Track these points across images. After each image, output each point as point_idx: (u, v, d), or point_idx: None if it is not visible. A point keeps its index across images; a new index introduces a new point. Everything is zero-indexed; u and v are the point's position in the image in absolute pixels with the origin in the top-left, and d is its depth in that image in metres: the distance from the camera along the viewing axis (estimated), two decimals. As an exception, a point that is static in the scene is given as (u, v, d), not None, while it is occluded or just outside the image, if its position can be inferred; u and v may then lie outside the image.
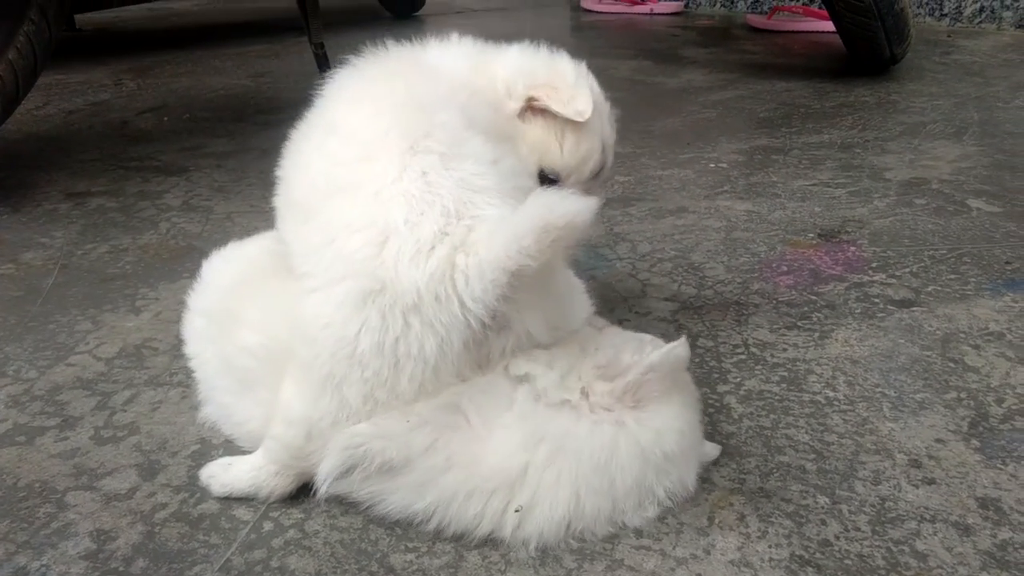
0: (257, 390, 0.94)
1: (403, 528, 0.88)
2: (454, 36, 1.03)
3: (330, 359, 0.81)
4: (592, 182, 1.05)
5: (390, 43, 0.99)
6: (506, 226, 0.77)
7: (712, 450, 0.98)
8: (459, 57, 1.00)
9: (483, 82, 0.98)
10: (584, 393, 0.85)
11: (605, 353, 0.87)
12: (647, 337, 0.94)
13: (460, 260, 0.78)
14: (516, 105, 0.99)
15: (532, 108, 0.99)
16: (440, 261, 0.78)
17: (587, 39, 4.41)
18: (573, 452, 0.83)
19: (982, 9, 3.92)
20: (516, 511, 0.84)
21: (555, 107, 0.97)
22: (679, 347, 0.85)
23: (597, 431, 0.84)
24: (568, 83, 1.00)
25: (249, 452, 0.96)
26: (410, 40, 1.02)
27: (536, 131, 1.00)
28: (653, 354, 0.84)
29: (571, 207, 0.75)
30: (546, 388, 0.84)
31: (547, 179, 1.01)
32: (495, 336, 0.84)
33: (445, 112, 0.88)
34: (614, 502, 0.85)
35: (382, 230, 0.78)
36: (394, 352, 0.79)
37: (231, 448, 1.03)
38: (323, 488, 0.87)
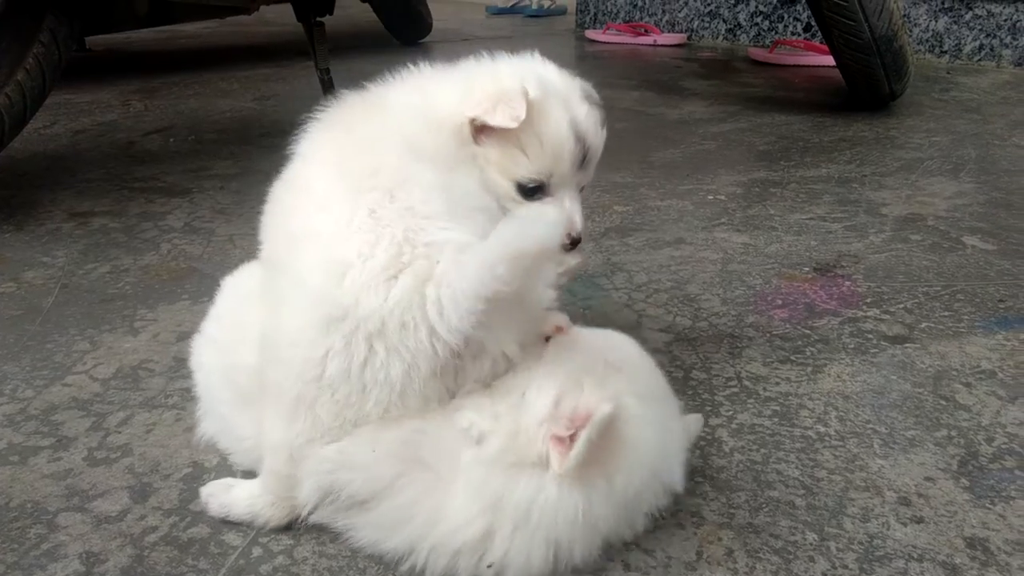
0: (253, 408, 0.95)
1: (392, 559, 0.88)
2: (411, 67, 1.01)
3: (298, 380, 0.83)
4: (583, 172, 0.99)
5: (346, 93, 1.00)
6: (477, 255, 0.77)
7: (695, 424, 0.99)
8: (411, 92, 0.99)
9: (436, 115, 0.95)
10: (542, 460, 0.80)
11: (547, 401, 0.81)
12: (593, 351, 0.90)
13: (431, 292, 0.79)
14: (466, 132, 0.94)
15: (478, 129, 0.94)
16: (406, 291, 0.79)
17: (591, 69, 4.46)
18: (541, 515, 0.80)
19: (981, 47, 3.97)
20: (488, 567, 0.82)
21: (490, 121, 0.90)
22: (603, 414, 0.78)
23: (567, 494, 0.80)
24: (493, 92, 0.92)
25: (245, 469, 0.97)
26: (394, 73, 1.03)
27: (495, 148, 0.94)
28: (584, 433, 0.77)
29: (541, 231, 0.76)
30: (492, 456, 0.81)
31: (531, 191, 0.96)
32: (471, 362, 0.84)
33: (389, 151, 0.90)
34: (602, 539, 0.84)
35: (340, 265, 0.81)
36: (361, 378, 0.81)
37: (223, 471, 1.03)
38: (306, 512, 0.88)
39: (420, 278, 0.80)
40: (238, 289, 1.07)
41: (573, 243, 0.97)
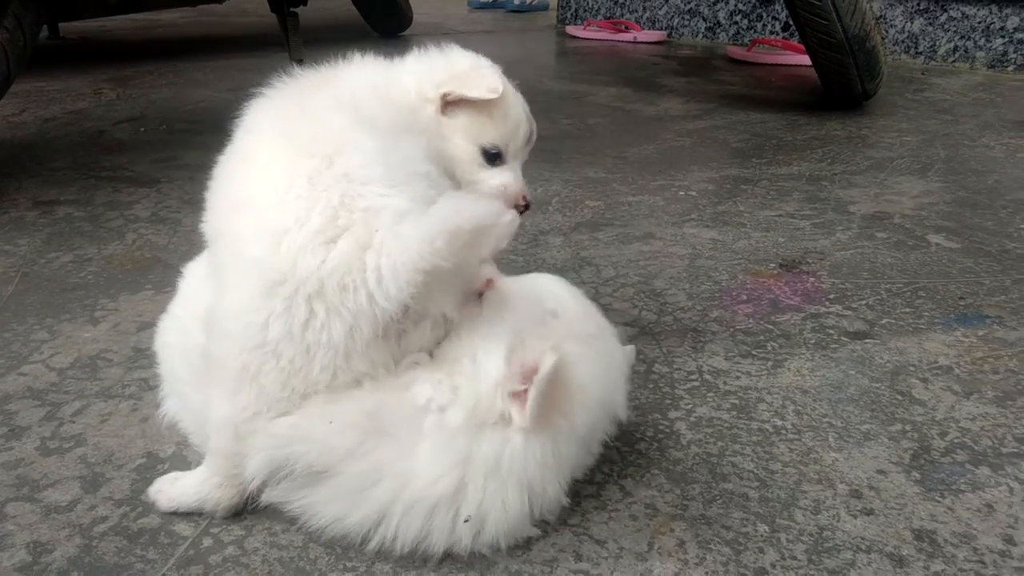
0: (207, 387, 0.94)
1: (343, 548, 0.88)
2: (357, 56, 1.06)
3: (242, 349, 0.83)
4: (527, 148, 1.10)
5: (300, 68, 1.02)
6: (417, 227, 0.78)
7: (630, 353, 1.03)
8: (366, 69, 1.04)
9: (396, 93, 1.02)
10: (503, 417, 0.84)
11: (498, 361, 0.84)
12: (533, 295, 0.95)
13: (371, 260, 0.80)
14: (433, 106, 1.03)
15: (448, 103, 1.03)
16: (344, 255, 0.80)
17: (570, 64, 4.46)
18: (511, 464, 0.83)
19: (956, 48, 4.01)
20: (466, 521, 0.83)
21: (469, 93, 1.01)
22: (548, 366, 0.81)
23: (531, 443, 0.84)
24: (468, 68, 1.05)
25: (199, 455, 0.96)
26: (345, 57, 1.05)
27: (462, 119, 1.04)
28: (533, 390, 0.81)
29: (481, 211, 0.77)
30: (458, 425, 0.83)
31: (492, 156, 1.05)
32: (413, 328, 0.86)
33: (334, 116, 0.92)
34: (569, 474, 0.89)
35: (277, 231, 0.82)
36: (303, 339, 0.82)
37: (178, 461, 1.02)
38: (253, 486, 0.88)
39: (359, 243, 0.81)
40: (198, 272, 1.07)
41: (526, 207, 1.06)
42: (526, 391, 0.82)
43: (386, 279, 0.79)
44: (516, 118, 1.06)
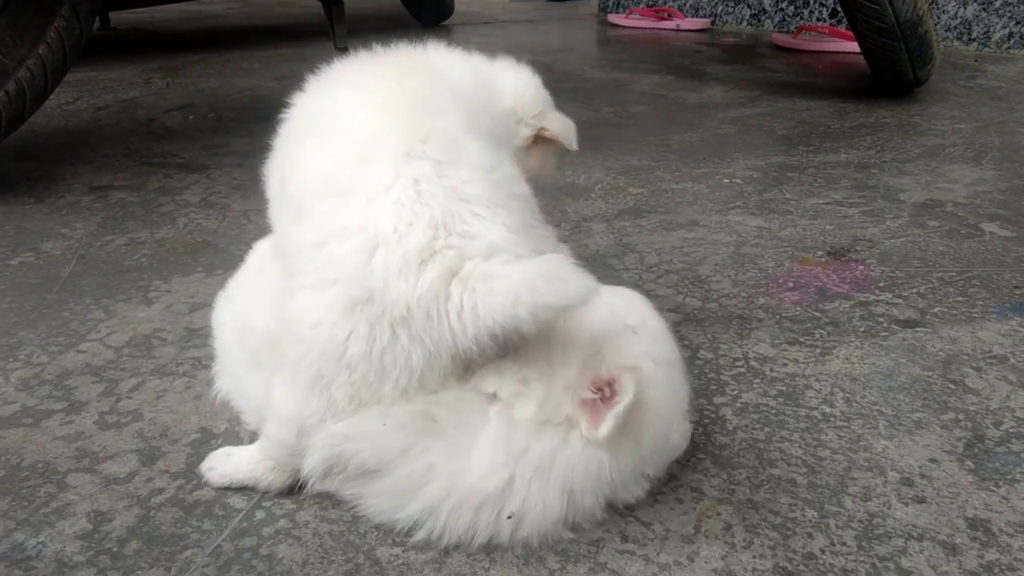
0: (262, 369, 0.96)
1: (402, 526, 0.89)
2: (443, 45, 1.06)
3: (318, 359, 0.82)
4: None
5: (394, 42, 1.01)
6: (506, 280, 0.76)
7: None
8: (460, 63, 1.02)
9: (485, 94, 1.01)
10: (569, 421, 0.83)
11: (573, 368, 0.83)
12: (613, 311, 0.92)
13: (455, 292, 0.78)
14: (528, 132, 1.07)
15: (537, 136, 1.09)
16: (433, 282, 0.78)
17: (611, 52, 4.43)
18: (564, 468, 0.83)
19: (1011, 35, 3.89)
20: (508, 518, 0.84)
21: (565, 143, 1.11)
22: (632, 388, 0.80)
23: (589, 454, 0.83)
24: (559, 116, 1.12)
25: (252, 431, 0.98)
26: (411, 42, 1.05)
27: (537, 155, 1.11)
28: (619, 405, 0.80)
29: (574, 289, 0.74)
30: (525, 418, 0.83)
31: None
32: (481, 354, 0.83)
33: (446, 116, 0.89)
34: (612, 490, 0.87)
35: (372, 237, 0.79)
36: (381, 360, 0.80)
37: (231, 437, 1.05)
38: (310, 484, 0.89)
39: (448, 270, 0.78)
40: (261, 253, 1.09)
41: None
42: (595, 401, 0.81)
43: (466, 317, 0.77)
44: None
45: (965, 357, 1.24)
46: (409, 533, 0.87)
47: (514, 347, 0.84)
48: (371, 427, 0.84)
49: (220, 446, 1.02)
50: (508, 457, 0.83)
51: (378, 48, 1.00)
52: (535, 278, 0.75)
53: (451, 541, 0.85)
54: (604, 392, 0.81)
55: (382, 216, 0.79)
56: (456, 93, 0.95)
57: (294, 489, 0.94)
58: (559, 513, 0.85)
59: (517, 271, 0.77)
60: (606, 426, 0.80)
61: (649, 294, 1.46)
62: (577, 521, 0.87)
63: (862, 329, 1.34)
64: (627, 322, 0.91)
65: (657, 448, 0.89)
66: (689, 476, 0.98)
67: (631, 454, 0.85)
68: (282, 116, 1.01)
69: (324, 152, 0.88)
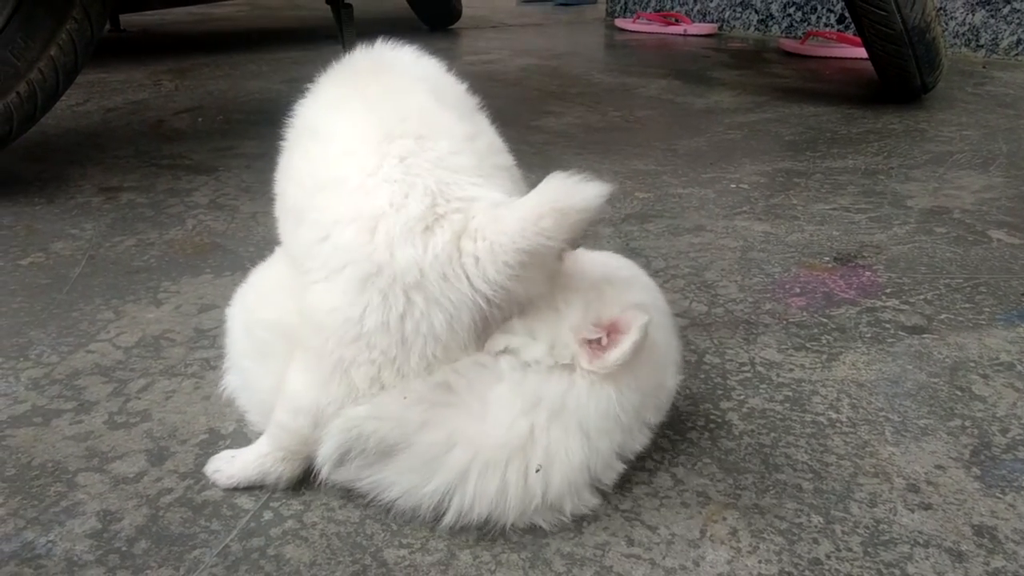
0: (269, 360, 0.97)
1: (398, 525, 0.90)
2: (401, 45, 1.07)
3: (339, 343, 0.82)
4: None
5: (357, 49, 1.04)
6: (518, 208, 0.78)
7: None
8: (417, 56, 1.04)
9: (447, 78, 1.03)
10: (574, 360, 0.86)
11: (578, 310, 0.87)
12: (607, 267, 0.98)
13: (467, 245, 0.79)
14: None
15: None
16: (444, 244, 0.79)
17: (619, 57, 4.44)
18: (575, 407, 0.86)
19: (1019, 41, 3.89)
20: (537, 471, 0.85)
21: None
22: (644, 321, 0.84)
23: (596, 389, 0.86)
24: None
25: (258, 433, 0.99)
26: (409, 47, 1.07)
27: None
28: (628, 339, 0.84)
29: (590, 191, 0.77)
30: (536, 359, 0.86)
31: None
32: (497, 312, 0.85)
33: (416, 95, 0.92)
34: (622, 433, 0.89)
35: (371, 217, 0.81)
36: (400, 329, 0.81)
37: (239, 438, 1.05)
38: (324, 472, 0.89)
39: (456, 232, 0.80)
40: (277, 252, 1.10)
41: None
42: (599, 340, 0.85)
43: (484, 261, 0.79)
44: None
45: (972, 364, 1.24)
46: (437, 520, 0.87)
47: (524, 304, 0.87)
48: (390, 404, 0.85)
49: (228, 447, 1.02)
50: (524, 406, 0.85)
51: (343, 58, 1.03)
52: (552, 191, 0.77)
53: (481, 514, 0.86)
54: (606, 333, 0.85)
55: (376, 196, 0.81)
56: (420, 78, 0.97)
57: (304, 482, 0.95)
58: (582, 458, 0.87)
59: (527, 199, 0.79)
60: (616, 353, 0.83)
61: (656, 299, 1.47)
62: (597, 472, 0.89)
63: (869, 335, 1.34)
64: (622, 274, 0.98)
65: (655, 388, 0.93)
66: (695, 480, 0.98)
67: (633, 391, 0.88)
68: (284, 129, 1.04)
69: (310, 156, 0.91)
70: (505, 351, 0.87)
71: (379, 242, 0.80)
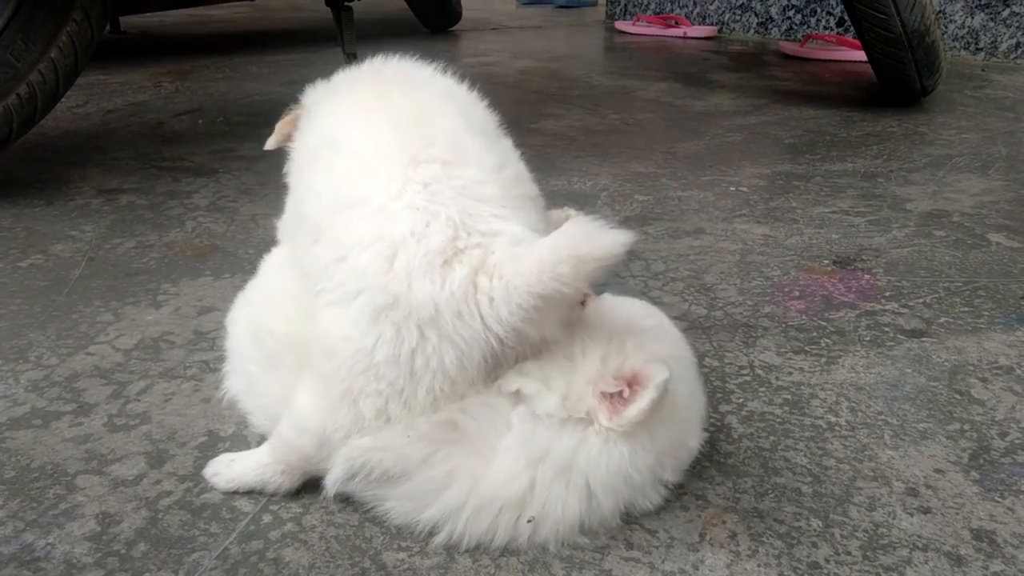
0: (279, 370, 0.96)
1: (397, 528, 0.90)
2: (414, 59, 1.06)
3: (349, 372, 0.81)
4: None
5: (377, 57, 1.02)
6: (537, 250, 0.76)
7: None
8: (435, 73, 1.02)
9: (470, 95, 1.01)
10: (589, 416, 0.84)
11: (596, 361, 0.85)
12: (630, 315, 0.95)
13: (483, 283, 0.78)
14: None
15: None
16: (461, 280, 0.78)
17: (618, 59, 4.44)
18: (585, 465, 0.84)
19: (1018, 45, 3.89)
20: (529, 522, 0.85)
21: None
22: (663, 377, 0.81)
23: (609, 448, 0.84)
24: None
25: (259, 436, 0.98)
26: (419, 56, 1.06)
27: None
28: (647, 395, 0.81)
29: (613, 239, 0.75)
30: (548, 411, 0.83)
31: None
32: (510, 351, 0.83)
33: (444, 116, 0.90)
34: (631, 492, 0.87)
35: (390, 244, 0.79)
36: (410, 363, 0.80)
37: (238, 440, 1.05)
38: (330, 492, 0.89)
39: (474, 267, 0.78)
40: (276, 258, 1.09)
41: None
42: (619, 394, 0.82)
43: (498, 301, 0.77)
44: None
45: (971, 367, 1.24)
46: (429, 535, 0.87)
47: (539, 345, 0.85)
48: (395, 439, 0.84)
49: (228, 449, 1.02)
50: (529, 461, 0.84)
51: (361, 67, 1.02)
52: (570, 236, 0.75)
53: (470, 543, 0.86)
54: (627, 386, 0.82)
55: (397, 222, 0.80)
56: (448, 97, 0.96)
57: (304, 485, 0.95)
58: (577, 516, 0.86)
59: (547, 241, 0.77)
60: (633, 410, 0.80)
61: (655, 302, 1.46)
62: (594, 527, 0.87)
63: (868, 338, 1.34)
64: (645, 324, 0.94)
65: (674, 448, 0.90)
66: (694, 484, 0.98)
67: (648, 451, 0.86)
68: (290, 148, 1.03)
69: (331, 171, 0.89)
70: (517, 394, 0.84)
71: (397, 271, 0.78)
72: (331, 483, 0.88)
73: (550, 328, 0.83)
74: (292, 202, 0.98)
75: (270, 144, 1.10)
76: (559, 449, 0.83)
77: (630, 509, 0.89)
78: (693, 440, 0.94)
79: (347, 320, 0.81)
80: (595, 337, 0.86)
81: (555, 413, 0.83)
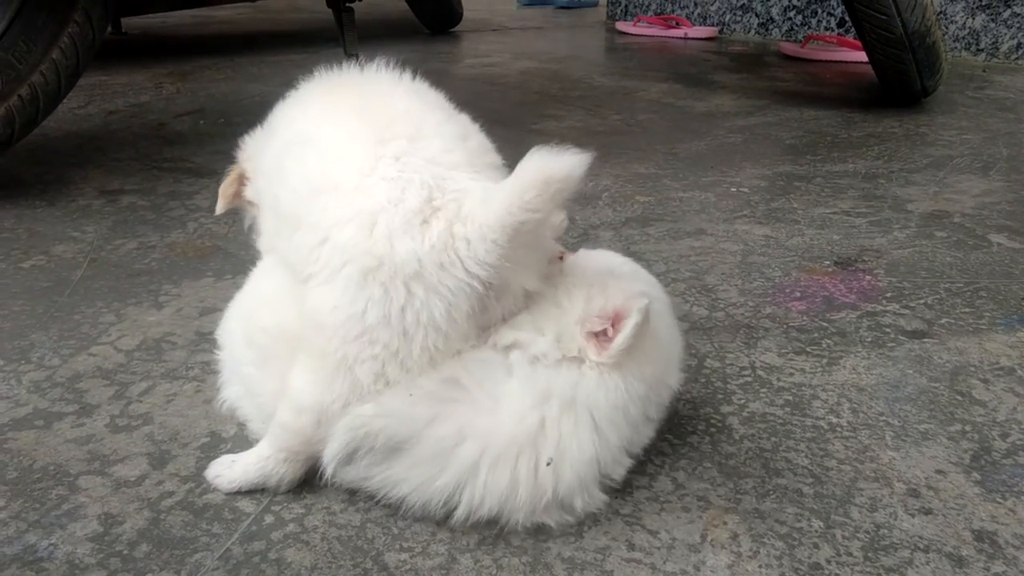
0: (272, 364, 0.97)
1: (399, 528, 0.90)
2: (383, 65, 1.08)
3: (342, 341, 0.83)
4: None
5: (330, 66, 1.05)
6: (504, 186, 0.80)
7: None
8: (397, 75, 1.04)
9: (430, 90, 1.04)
10: (581, 352, 0.88)
11: (580, 303, 0.89)
12: (607, 264, 1.01)
13: (459, 229, 0.81)
14: None
15: None
16: (440, 233, 0.81)
17: (619, 60, 4.44)
18: (585, 399, 0.87)
19: (1019, 45, 3.89)
20: (548, 464, 0.86)
21: None
22: (643, 307, 0.86)
23: (605, 380, 0.88)
24: None
25: (257, 436, 0.99)
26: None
27: None
28: (630, 322, 0.85)
29: (570, 160, 0.78)
30: (543, 353, 0.88)
31: None
32: (495, 302, 0.87)
33: (404, 100, 0.94)
34: (629, 427, 0.91)
35: (370, 214, 0.82)
36: (401, 321, 0.82)
37: (240, 441, 1.05)
38: (330, 471, 0.89)
39: (450, 220, 0.82)
40: (262, 267, 1.10)
41: None
42: (605, 332, 0.86)
43: (474, 242, 0.80)
44: None
45: (972, 368, 1.25)
46: (447, 515, 0.87)
47: (524, 300, 0.90)
48: (397, 401, 0.85)
49: (229, 450, 1.02)
50: (535, 400, 0.86)
51: (314, 76, 1.04)
52: (532, 164, 0.78)
53: (492, 509, 0.86)
54: (612, 322, 0.87)
55: (374, 194, 0.83)
56: (396, 82, 1.00)
57: (306, 485, 0.95)
58: (593, 452, 0.88)
59: (510, 178, 0.81)
60: (619, 339, 0.85)
61: (656, 302, 1.47)
62: (607, 466, 0.90)
63: (869, 339, 1.34)
64: (622, 269, 1.00)
65: (658, 384, 0.94)
66: (695, 485, 0.98)
67: (639, 380, 0.89)
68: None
69: (304, 162, 0.91)
70: (512, 346, 0.88)
71: (378, 236, 0.81)
72: (329, 457, 0.88)
73: (529, 272, 0.87)
74: (269, 211, 1.00)
75: (219, 209, 1.15)
76: (560, 385, 0.87)
77: (629, 447, 0.92)
78: (673, 379, 0.98)
79: (335, 291, 0.83)
80: (578, 284, 0.92)
81: (550, 353, 0.88)
